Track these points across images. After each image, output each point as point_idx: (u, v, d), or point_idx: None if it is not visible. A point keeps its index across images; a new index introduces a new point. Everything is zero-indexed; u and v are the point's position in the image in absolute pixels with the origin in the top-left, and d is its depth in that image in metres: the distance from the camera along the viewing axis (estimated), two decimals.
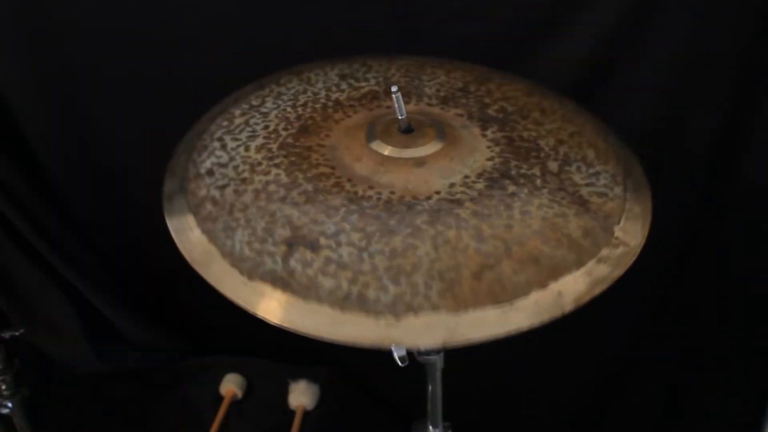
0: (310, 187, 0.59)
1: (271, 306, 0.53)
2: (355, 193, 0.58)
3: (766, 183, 1.01)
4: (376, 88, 0.72)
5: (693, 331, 1.13)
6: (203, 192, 0.60)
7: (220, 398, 1.16)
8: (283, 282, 0.53)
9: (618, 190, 0.60)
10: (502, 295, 0.51)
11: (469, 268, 0.52)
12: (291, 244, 0.54)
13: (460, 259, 0.53)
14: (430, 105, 0.70)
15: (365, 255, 0.53)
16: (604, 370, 1.21)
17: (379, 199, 0.58)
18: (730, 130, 1.00)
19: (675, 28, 0.94)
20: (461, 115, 0.68)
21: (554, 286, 0.52)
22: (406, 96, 0.70)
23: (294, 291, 0.52)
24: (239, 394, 1.17)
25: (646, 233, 0.57)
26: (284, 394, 1.16)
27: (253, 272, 0.54)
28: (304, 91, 0.71)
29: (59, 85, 1.06)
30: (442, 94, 0.71)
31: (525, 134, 0.65)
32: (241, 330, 0.96)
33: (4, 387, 0.92)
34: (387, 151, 0.61)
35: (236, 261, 0.55)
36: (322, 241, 0.54)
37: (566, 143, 0.64)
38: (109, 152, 1.14)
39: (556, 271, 0.52)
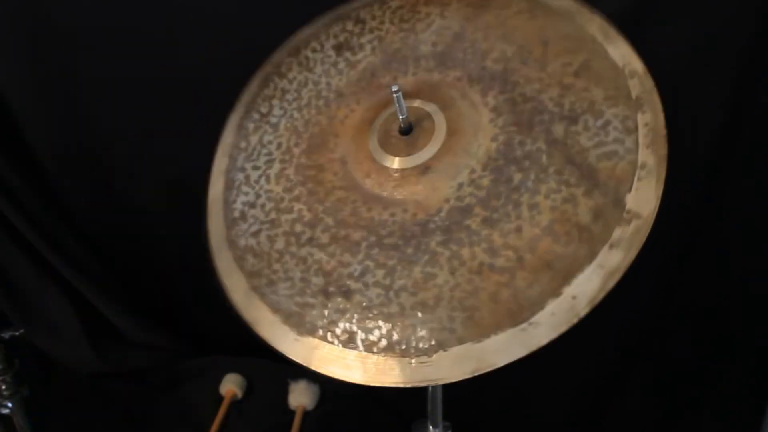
0: (331, 221, 0.61)
1: (320, 358, 0.56)
2: (371, 219, 0.59)
3: (766, 183, 1.01)
4: (372, 58, 0.70)
5: (693, 331, 1.13)
6: (242, 242, 0.63)
7: (220, 398, 1.16)
8: (325, 333, 0.56)
9: (630, 141, 0.56)
10: (519, 313, 0.52)
11: (486, 290, 0.53)
12: (327, 294, 0.57)
13: (477, 282, 0.54)
14: (428, 70, 0.67)
15: (392, 294, 0.56)
16: (604, 370, 1.21)
17: (394, 222, 0.59)
18: (730, 130, 1.00)
19: (675, 28, 0.94)
20: (460, 79, 0.65)
21: (568, 291, 0.52)
22: (403, 63, 0.69)
23: (336, 341, 0.55)
24: (239, 394, 1.17)
25: (660, 191, 0.55)
26: (284, 394, 1.16)
27: (302, 327, 0.57)
28: (306, 83, 0.71)
29: (59, 85, 1.06)
30: (438, 49, 0.68)
31: (527, 90, 0.62)
32: (241, 330, 0.96)
33: (4, 387, 0.92)
34: (394, 163, 0.62)
35: (286, 318, 0.58)
36: (352, 285, 0.57)
37: (572, 89, 0.60)
38: (109, 152, 1.13)
39: (569, 273, 0.52)
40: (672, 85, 0.96)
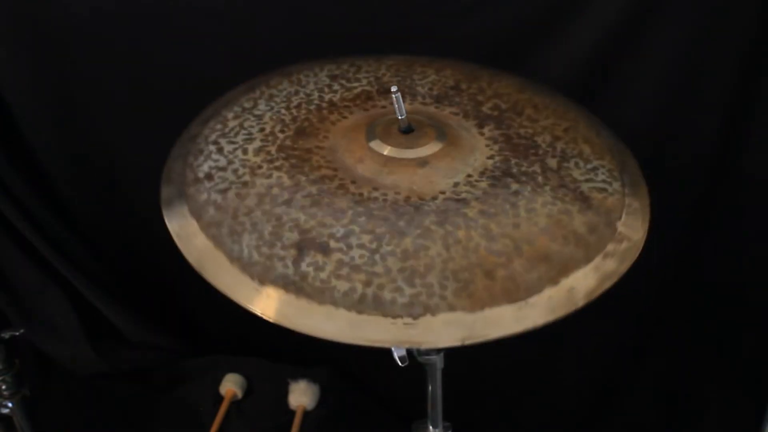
0: (314, 190, 0.58)
1: (286, 311, 0.51)
2: (361, 194, 0.57)
3: (766, 183, 1.01)
4: (368, 88, 0.71)
5: (693, 331, 1.13)
6: (204, 196, 0.59)
7: (220, 398, 1.16)
8: (296, 286, 0.52)
9: (616, 185, 0.60)
10: (516, 292, 0.51)
11: (482, 267, 0.52)
12: (301, 248, 0.53)
13: (473, 258, 0.52)
14: (424, 104, 0.69)
15: (377, 257, 0.53)
16: (605, 370, 1.21)
17: (385, 200, 0.57)
18: (730, 130, 1.00)
19: (675, 29, 0.94)
20: (457, 114, 0.68)
21: (566, 282, 0.52)
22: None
23: (308, 295, 0.51)
24: (239, 394, 1.17)
25: (647, 228, 0.58)
26: (284, 394, 1.16)
27: (264, 277, 0.52)
28: (296, 93, 0.71)
29: (59, 86, 1.06)
30: (435, 92, 0.71)
31: (522, 131, 0.65)
32: (241, 330, 0.96)
33: (4, 387, 0.91)
34: (388, 151, 0.61)
35: (245, 266, 0.53)
36: (333, 243, 0.53)
37: (562, 139, 0.64)
38: (108, 152, 1.14)
39: (566, 268, 0.52)
40: (672, 85, 0.97)
